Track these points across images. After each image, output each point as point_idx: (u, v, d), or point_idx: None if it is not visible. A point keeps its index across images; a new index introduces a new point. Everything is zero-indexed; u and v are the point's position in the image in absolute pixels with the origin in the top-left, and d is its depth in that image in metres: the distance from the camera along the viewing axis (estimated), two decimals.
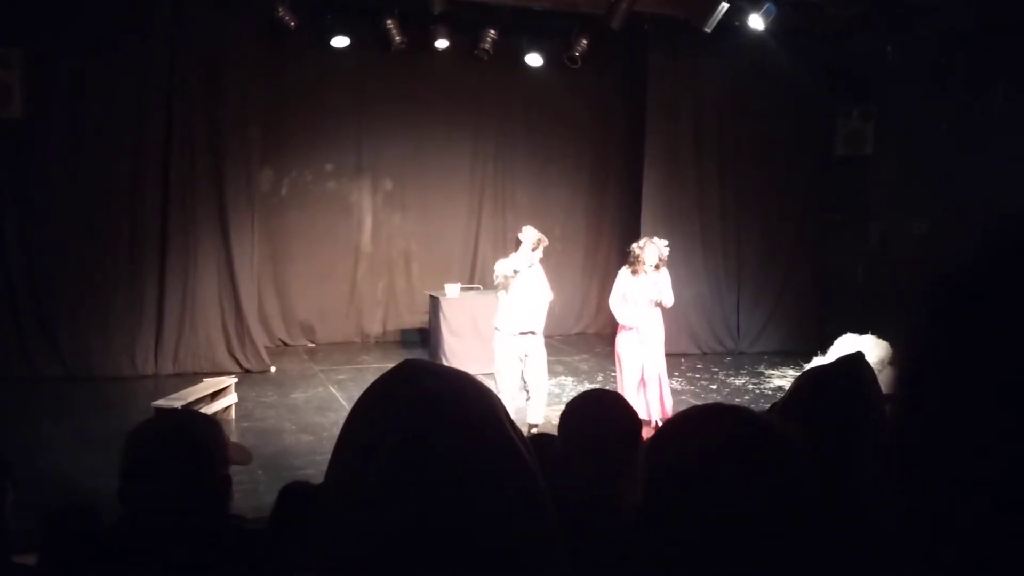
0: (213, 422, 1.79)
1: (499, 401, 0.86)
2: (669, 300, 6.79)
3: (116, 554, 1.53)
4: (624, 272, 6.81)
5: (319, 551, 0.83)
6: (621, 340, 6.85)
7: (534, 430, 6.26)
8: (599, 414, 2.06)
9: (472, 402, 0.83)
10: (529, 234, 6.73)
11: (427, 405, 0.80)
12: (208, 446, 1.61)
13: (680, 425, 1.04)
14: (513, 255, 6.82)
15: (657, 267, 6.74)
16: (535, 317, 6.71)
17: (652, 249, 6.74)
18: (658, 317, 6.86)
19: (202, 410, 6.42)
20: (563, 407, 2.18)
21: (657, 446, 1.04)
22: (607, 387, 8.88)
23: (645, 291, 6.71)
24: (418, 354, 10.05)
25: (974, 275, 0.63)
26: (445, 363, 9.00)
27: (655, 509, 0.97)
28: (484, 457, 0.79)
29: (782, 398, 1.81)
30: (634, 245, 6.90)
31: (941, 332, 0.63)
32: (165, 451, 1.56)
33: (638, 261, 6.73)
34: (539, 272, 6.78)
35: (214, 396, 7.14)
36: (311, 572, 0.86)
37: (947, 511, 0.60)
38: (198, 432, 1.63)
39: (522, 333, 6.64)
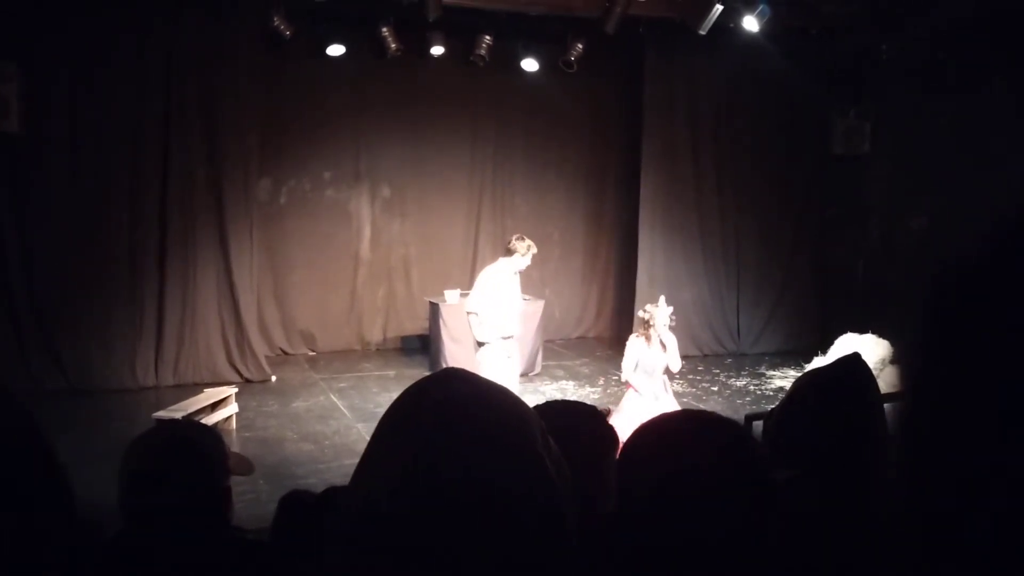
0: (213, 433, 1.79)
1: (533, 415, 0.85)
2: (677, 365, 6.64)
3: (117, 567, 1.52)
4: (636, 341, 6.49)
5: (333, 553, 0.82)
6: (633, 399, 6.50)
7: None
8: (564, 423, 2.01)
9: (501, 411, 0.82)
10: (516, 264, 6.79)
11: (452, 412, 0.80)
12: (209, 457, 1.61)
13: (651, 433, 1.03)
14: (503, 262, 6.84)
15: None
16: (516, 322, 6.94)
17: (661, 312, 6.44)
18: (668, 385, 6.67)
19: (203, 420, 6.41)
20: None
21: (629, 455, 1.03)
22: (608, 391, 8.92)
23: (659, 359, 6.45)
24: (419, 361, 10.06)
25: (974, 274, 0.62)
26: None
27: (628, 517, 0.95)
28: (502, 472, 0.77)
29: (780, 402, 1.80)
30: (640, 312, 6.62)
31: (941, 331, 0.63)
32: (166, 462, 1.56)
33: (648, 326, 6.43)
34: (517, 280, 6.99)
35: (215, 406, 7.14)
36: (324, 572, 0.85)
37: (949, 511, 0.60)
38: (198, 443, 1.63)
39: (505, 338, 6.78)
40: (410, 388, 0.86)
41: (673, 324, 6.56)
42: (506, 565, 0.75)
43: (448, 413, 0.79)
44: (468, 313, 6.84)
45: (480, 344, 6.77)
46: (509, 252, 6.87)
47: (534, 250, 6.89)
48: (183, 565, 1.51)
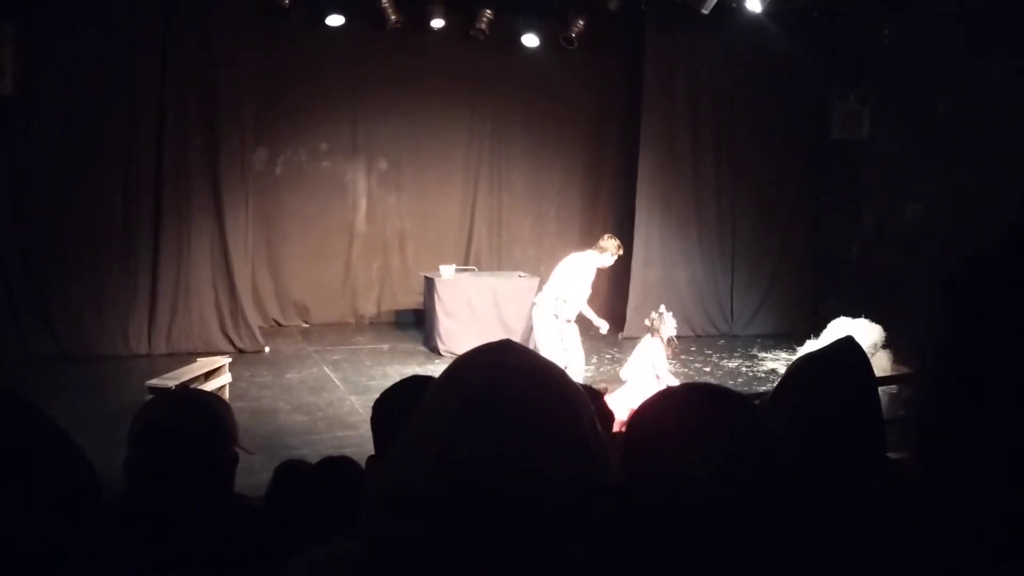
0: (224, 402, 1.82)
1: (582, 395, 0.85)
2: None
3: (121, 527, 1.53)
4: (657, 343, 6.74)
5: (370, 524, 0.82)
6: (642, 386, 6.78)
7: None
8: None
9: (550, 386, 0.82)
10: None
11: (501, 383, 0.80)
12: (220, 422, 1.62)
13: (657, 406, 1.03)
14: (591, 255, 7.34)
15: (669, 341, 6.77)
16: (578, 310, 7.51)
17: (668, 324, 6.72)
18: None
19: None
20: None
21: (635, 427, 1.02)
22: (601, 370, 8.95)
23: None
24: (413, 335, 10.07)
25: (993, 262, 0.62)
26: (440, 345, 9.02)
27: (635, 491, 0.95)
28: (545, 450, 0.77)
29: (776, 386, 1.81)
30: (647, 321, 6.92)
31: (959, 326, 0.63)
32: (179, 421, 1.57)
33: (656, 332, 6.71)
34: (594, 273, 7.48)
35: (208, 376, 7.13)
36: (350, 539, 0.85)
37: (974, 493, 0.60)
38: (211, 408, 1.65)
39: (568, 320, 7.38)
40: (466, 353, 0.86)
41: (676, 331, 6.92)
42: (541, 539, 0.75)
43: (498, 383, 0.79)
44: (556, 298, 7.22)
45: (549, 321, 7.26)
46: (601, 249, 7.32)
47: (621, 252, 7.44)
48: (186, 526, 1.52)
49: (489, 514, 0.75)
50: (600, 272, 11.62)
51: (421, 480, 0.77)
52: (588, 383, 7.07)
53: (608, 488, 0.81)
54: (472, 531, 0.75)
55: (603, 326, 7.42)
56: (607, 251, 7.27)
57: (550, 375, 0.85)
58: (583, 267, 7.26)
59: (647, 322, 7.03)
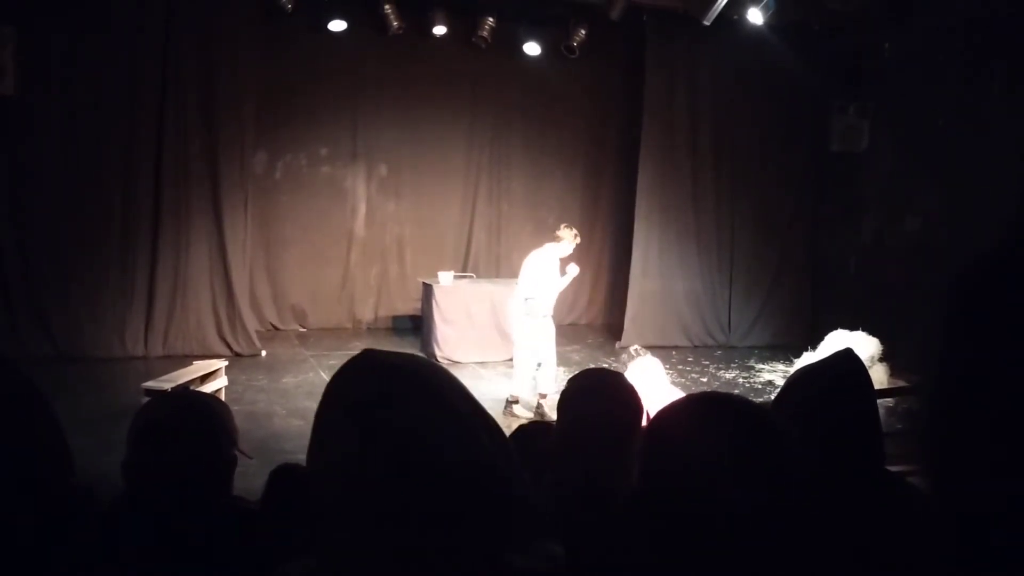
0: (225, 405, 1.82)
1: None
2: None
3: (117, 529, 1.52)
4: (646, 358, 7.07)
5: (322, 532, 0.83)
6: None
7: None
8: (599, 393, 1.96)
9: (436, 374, 0.88)
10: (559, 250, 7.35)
11: (392, 375, 0.85)
12: (221, 425, 1.63)
13: (677, 414, 1.05)
14: (549, 248, 7.34)
15: None
16: (553, 302, 7.51)
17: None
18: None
19: None
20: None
21: (654, 434, 1.04)
22: None
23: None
24: (410, 341, 10.06)
25: (996, 269, 0.62)
26: (438, 351, 9.01)
27: (651, 497, 0.97)
28: (437, 427, 0.80)
29: (775, 397, 1.80)
30: (628, 354, 7.24)
31: (960, 334, 0.63)
32: (180, 423, 1.58)
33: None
34: (559, 264, 7.45)
35: (204, 379, 7.10)
36: (311, 554, 0.86)
37: (984, 501, 0.60)
38: (212, 410, 1.66)
39: (544, 316, 7.33)
40: (338, 371, 0.91)
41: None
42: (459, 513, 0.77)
43: (388, 375, 0.82)
44: (526, 299, 7.26)
45: (525, 321, 7.28)
46: (557, 239, 7.36)
47: (579, 240, 7.46)
48: (184, 527, 1.52)
49: (421, 505, 0.77)
50: (598, 283, 11.70)
51: (356, 486, 0.80)
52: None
53: (504, 462, 0.85)
54: (416, 525, 0.77)
55: (573, 270, 7.41)
56: (564, 240, 7.33)
57: (420, 360, 0.93)
58: (545, 260, 7.32)
59: (625, 355, 7.26)
